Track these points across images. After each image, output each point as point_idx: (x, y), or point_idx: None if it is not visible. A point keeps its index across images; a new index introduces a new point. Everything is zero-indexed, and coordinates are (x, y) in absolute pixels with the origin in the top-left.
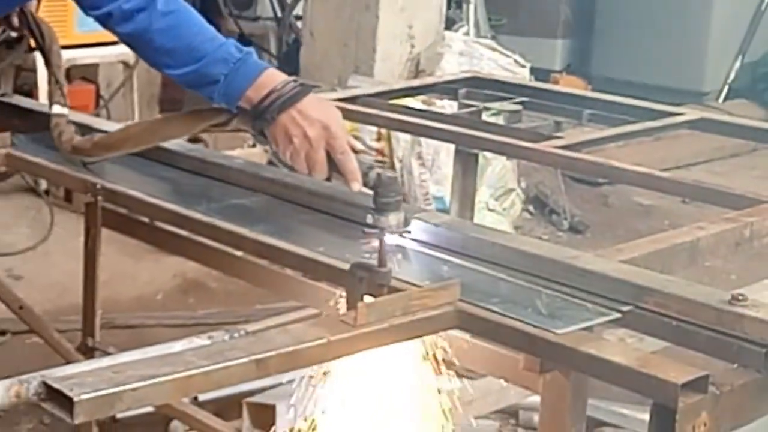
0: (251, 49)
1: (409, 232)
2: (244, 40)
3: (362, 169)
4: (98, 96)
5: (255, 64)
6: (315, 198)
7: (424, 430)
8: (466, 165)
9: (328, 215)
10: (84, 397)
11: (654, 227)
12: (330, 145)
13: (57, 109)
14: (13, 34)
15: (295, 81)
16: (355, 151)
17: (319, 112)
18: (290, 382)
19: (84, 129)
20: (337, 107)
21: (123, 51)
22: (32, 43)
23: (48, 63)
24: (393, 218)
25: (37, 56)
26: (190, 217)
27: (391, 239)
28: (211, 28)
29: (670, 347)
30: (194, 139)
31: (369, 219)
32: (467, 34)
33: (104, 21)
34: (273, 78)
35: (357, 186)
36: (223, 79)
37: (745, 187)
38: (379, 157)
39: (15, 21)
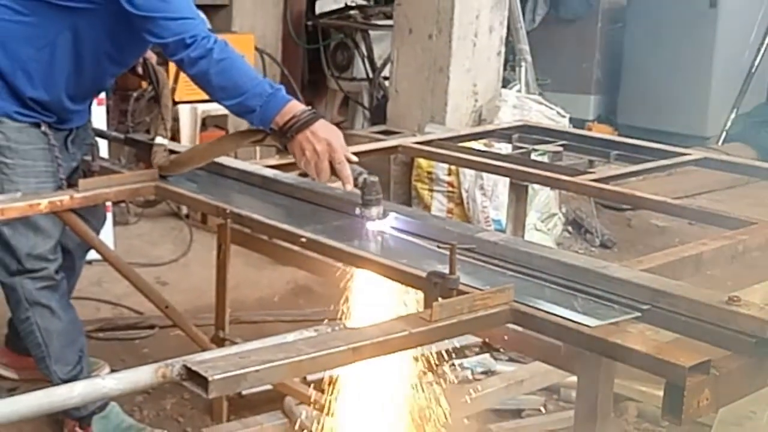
0: (281, 86)
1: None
2: (343, 95)
3: (354, 174)
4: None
5: (282, 98)
6: (398, 221)
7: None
8: (519, 194)
9: (410, 234)
10: (217, 377)
11: (667, 244)
12: (332, 157)
13: (159, 139)
14: None
15: (310, 110)
16: (350, 162)
17: (325, 133)
18: None
19: (215, 166)
20: (417, 149)
21: None
22: (175, 97)
23: (158, 102)
24: (374, 210)
25: (180, 108)
26: (301, 235)
27: (374, 226)
28: (253, 70)
29: (680, 338)
30: (304, 174)
31: (357, 211)
32: (519, 91)
33: (179, 65)
34: (294, 107)
35: (349, 187)
36: (259, 108)
37: (740, 212)
38: (450, 188)
39: (139, 69)
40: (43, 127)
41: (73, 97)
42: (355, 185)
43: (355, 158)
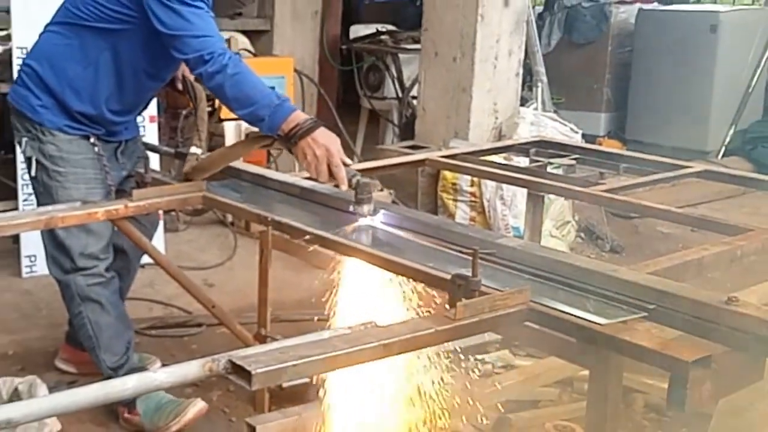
0: (287, 97)
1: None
2: (375, 113)
3: (348, 176)
4: (269, 154)
5: (288, 108)
6: (426, 228)
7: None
8: (536, 204)
9: (435, 239)
10: (259, 371)
11: (671, 249)
12: (329, 160)
13: (193, 149)
14: (208, 109)
15: (312, 119)
16: (345, 165)
17: (324, 139)
18: None
19: (258, 178)
20: (443, 162)
21: None
22: (222, 114)
23: (195, 115)
24: (366, 208)
25: (225, 125)
26: (336, 241)
27: (365, 221)
28: (262, 83)
29: (684, 335)
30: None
31: (351, 208)
32: (536, 109)
33: (199, 78)
34: (298, 117)
35: (344, 187)
36: (267, 117)
37: (738, 220)
38: (473, 198)
39: (179, 85)
40: (92, 139)
41: (117, 111)
42: (350, 186)
43: (349, 161)
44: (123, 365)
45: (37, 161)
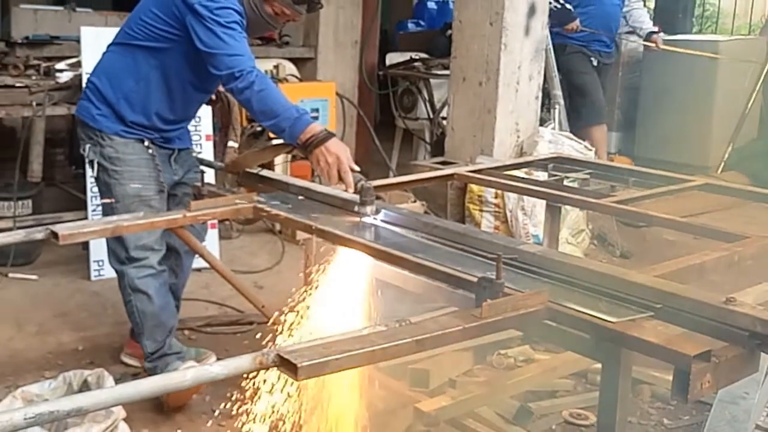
0: (306, 110)
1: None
2: (408, 132)
3: (354, 181)
4: (313, 170)
5: (305, 120)
6: (453, 235)
7: None
8: (553, 214)
9: (460, 244)
10: (304, 364)
11: (676, 254)
12: (339, 167)
13: (230, 143)
14: (258, 129)
15: (326, 130)
16: (353, 171)
17: (336, 148)
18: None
19: (303, 190)
20: (470, 176)
21: None
22: (270, 134)
23: (229, 119)
24: (369, 209)
25: (274, 143)
26: (372, 247)
27: (369, 220)
28: (285, 98)
29: (686, 332)
30: (377, 197)
31: (356, 208)
32: (554, 128)
33: (230, 92)
34: (314, 128)
35: (351, 190)
36: (288, 128)
37: (736, 228)
38: (497, 209)
39: (214, 96)
40: (146, 143)
41: (168, 121)
42: (355, 190)
43: (357, 168)
44: (160, 350)
45: (98, 163)
